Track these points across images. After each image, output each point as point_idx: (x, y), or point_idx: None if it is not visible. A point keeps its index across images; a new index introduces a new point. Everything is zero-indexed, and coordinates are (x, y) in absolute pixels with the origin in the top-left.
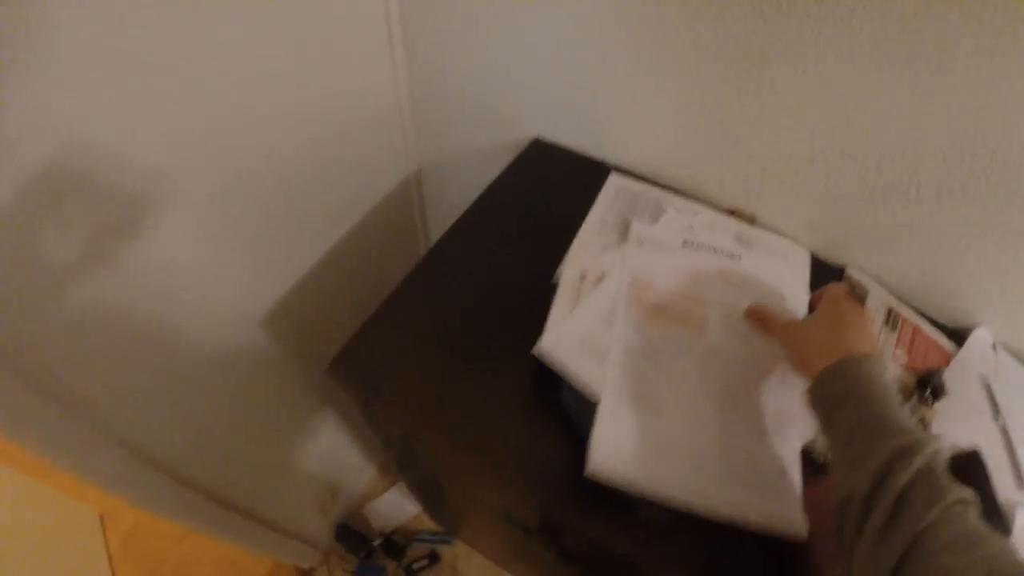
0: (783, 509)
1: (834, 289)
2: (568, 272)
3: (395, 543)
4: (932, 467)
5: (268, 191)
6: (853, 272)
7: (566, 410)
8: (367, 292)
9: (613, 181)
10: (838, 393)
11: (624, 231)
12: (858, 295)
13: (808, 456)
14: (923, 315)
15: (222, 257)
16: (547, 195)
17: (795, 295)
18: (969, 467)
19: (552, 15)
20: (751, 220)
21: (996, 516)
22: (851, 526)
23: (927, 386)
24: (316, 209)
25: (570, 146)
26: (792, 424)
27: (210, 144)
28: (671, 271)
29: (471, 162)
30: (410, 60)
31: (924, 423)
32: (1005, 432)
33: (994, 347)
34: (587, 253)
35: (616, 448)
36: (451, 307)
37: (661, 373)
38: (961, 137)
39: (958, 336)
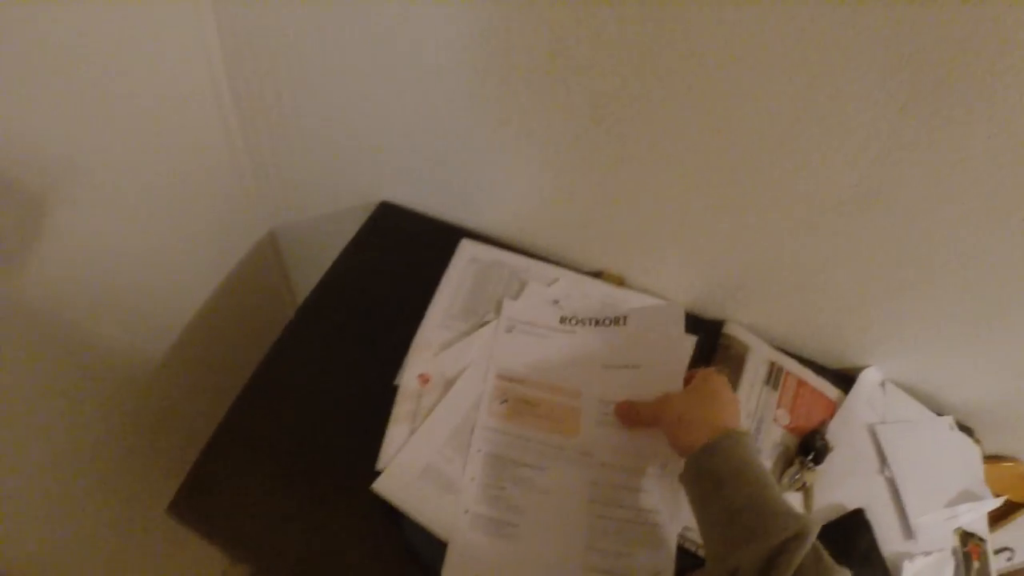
0: None
1: (714, 374)
2: (408, 378)
3: None
4: (819, 550)
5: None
6: (731, 327)
7: (410, 547)
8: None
9: (465, 250)
10: (717, 471)
11: (474, 311)
12: (735, 357)
13: (682, 549)
14: (809, 362)
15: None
16: (396, 268)
17: (679, 359)
18: (854, 527)
19: (394, 79)
20: (619, 281)
21: (882, 572)
22: None
23: (810, 450)
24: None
25: (421, 210)
26: (672, 518)
27: None
28: (543, 360)
29: (324, 225)
30: (246, 129)
31: (806, 487)
32: (892, 483)
33: (882, 385)
34: (429, 349)
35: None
36: (290, 426)
37: (523, 487)
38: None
39: (846, 379)
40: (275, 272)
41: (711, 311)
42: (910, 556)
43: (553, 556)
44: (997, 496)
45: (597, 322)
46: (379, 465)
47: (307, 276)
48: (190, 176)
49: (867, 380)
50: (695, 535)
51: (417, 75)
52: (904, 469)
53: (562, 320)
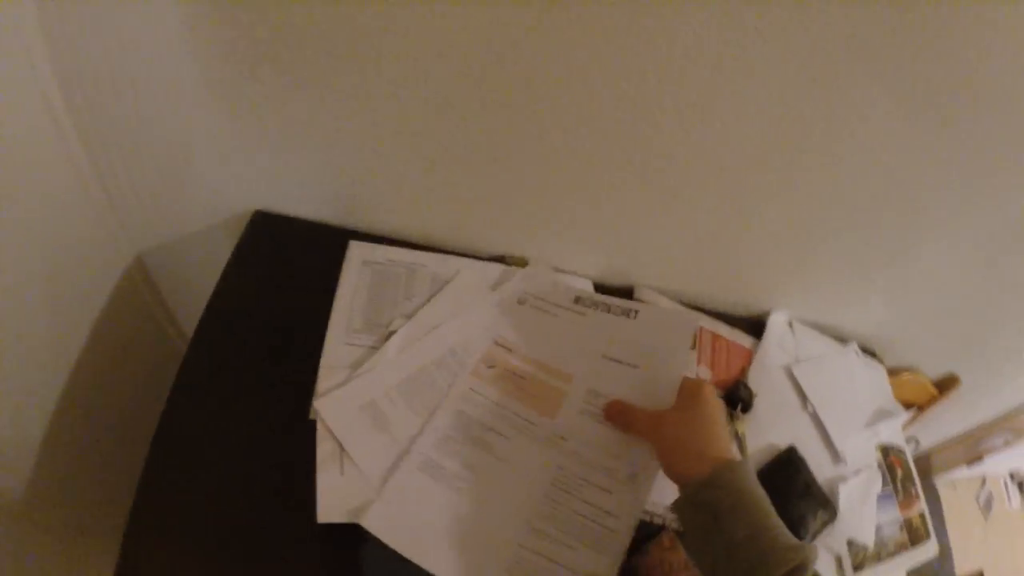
0: None
1: (698, 384)
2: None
3: None
4: None
5: None
6: (641, 291)
7: None
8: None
9: (354, 252)
10: (717, 505)
11: (377, 322)
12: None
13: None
14: (720, 315)
15: None
16: (284, 282)
17: (677, 371)
18: (790, 464)
19: None
20: (522, 263)
21: (821, 501)
22: None
23: (736, 401)
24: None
25: (299, 215)
26: (627, 530)
27: None
28: (545, 336)
29: (197, 243)
30: (90, 145)
31: (739, 436)
32: (815, 417)
33: (790, 325)
34: (336, 373)
35: (395, 511)
36: (210, 486)
37: (483, 450)
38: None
39: (757, 326)
40: (151, 302)
41: (618, 279)
42: (843, 479)
43: (492, 522)
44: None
45: (609, 309)
46: (320, 517)
47: (189, 302)
48: (29, 212)
49: (776, 324)
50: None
51: None
52: (823, 401)
53: (577, 299)
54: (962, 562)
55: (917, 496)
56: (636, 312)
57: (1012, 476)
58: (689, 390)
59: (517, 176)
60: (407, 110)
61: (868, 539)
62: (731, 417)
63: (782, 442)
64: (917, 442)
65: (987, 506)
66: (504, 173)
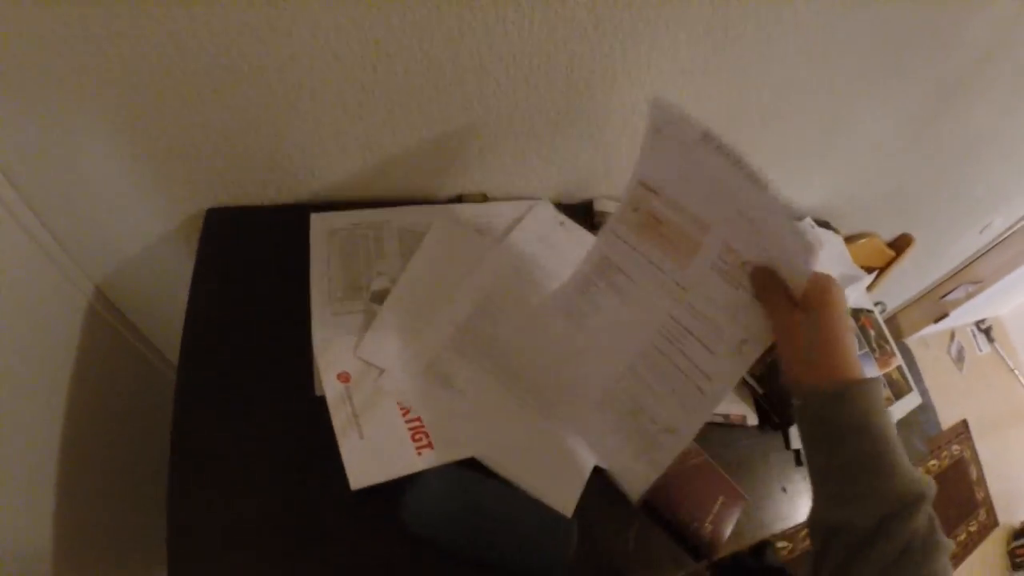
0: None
1: (828, 281)
2: (328, 385)
3: None
4: (933, 519)
5: None
6: (600, 203)
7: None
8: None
9: (317, 225)
10: (841, 423)
11: (357, 285)
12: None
13: None
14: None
15: None
16: (256, 273)
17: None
18: None
19: None
20: (483, 198)
21: None
22: (843, 552)
23: None
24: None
25: (253, 202)
26: (715, 397)
27: None
28: (686, 176)
29: (154, 259)
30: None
31: None
32: None
33: None
34: (332, 345)
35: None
36: (241, 500)
37: (612, 290)
38: None
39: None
40: (122, 330)
41: (579, 195)
42: None
43: (600, 358)
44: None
45: (736, 162)
46: (353, 483)
47: (160, 320)
48: None
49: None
50: None
51: None
52: None
53: (704, 138)
54: (945, 413)
55: (893, 352)
56: (769, 183)
57: (979, 325)
58: (820, 287)
59: (455, 109)
60: (329, 67)
61: None
62: None
63: None
64: (884, 305)
65: (959, 357)
66: (441, 109)
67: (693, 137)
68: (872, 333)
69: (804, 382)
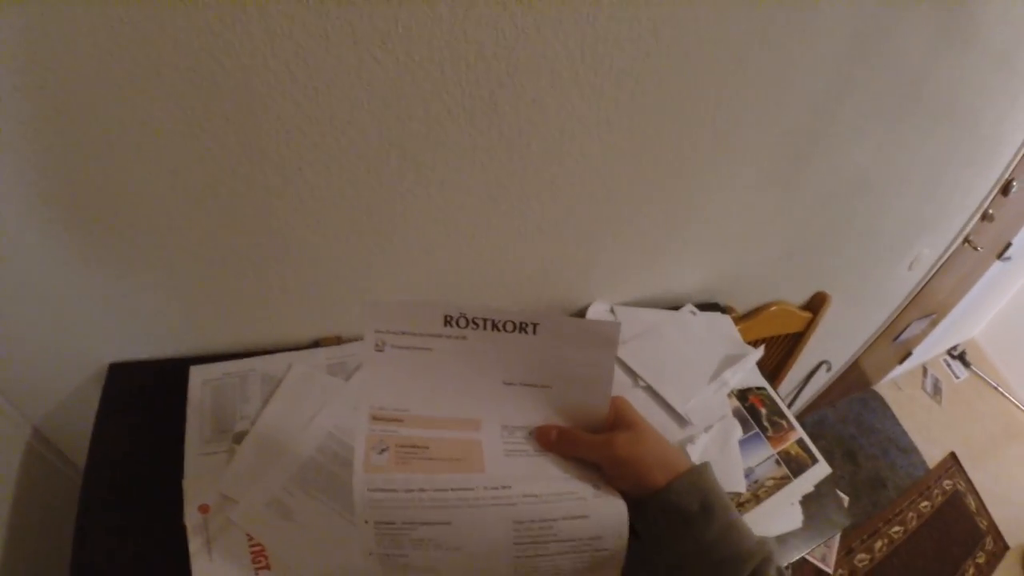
0: None
1: (624, 401)
2: (190, 515)
3: None
4: (781, 569)
5: None
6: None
7: None
8: None
9: (195, 376)
10: (687, 508)
11: (225, 428)
12: None
13: None
14: None
15: None
16: (145, 418)
17: (603, 382)
18: None
19: None
20: (337, 340)
21: None
22: None
23: None
24: None
25: (150, 356)
26: (617, 541)
27: None
28: (426, 382)
29: (79, 399)
30: None
31: None
32: (649, 390)
33: (611, 311)
34: (200, 479)
35: None
36: None
37: (429, 549)
38: None
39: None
40: (62, 468)
41: None
42: (691, 440)
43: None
44: (770, 339)
45: (495, 325)
46: None
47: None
48: None
49: (595, 313)
50: None
51: None
52: (655, 373)
53: (447, 321)
54: (931, 452)
55: (790, 427)
56: (535, 325)
57: (951, 353)
58: (622, 407)
59: (305, 266)
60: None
61: (739, 486)
62: None
63: None
64: (829, 364)
65: (935, 391)
66: (293, 268)
67: (433, 328)
68: (763, 411)
69: (646, 486)
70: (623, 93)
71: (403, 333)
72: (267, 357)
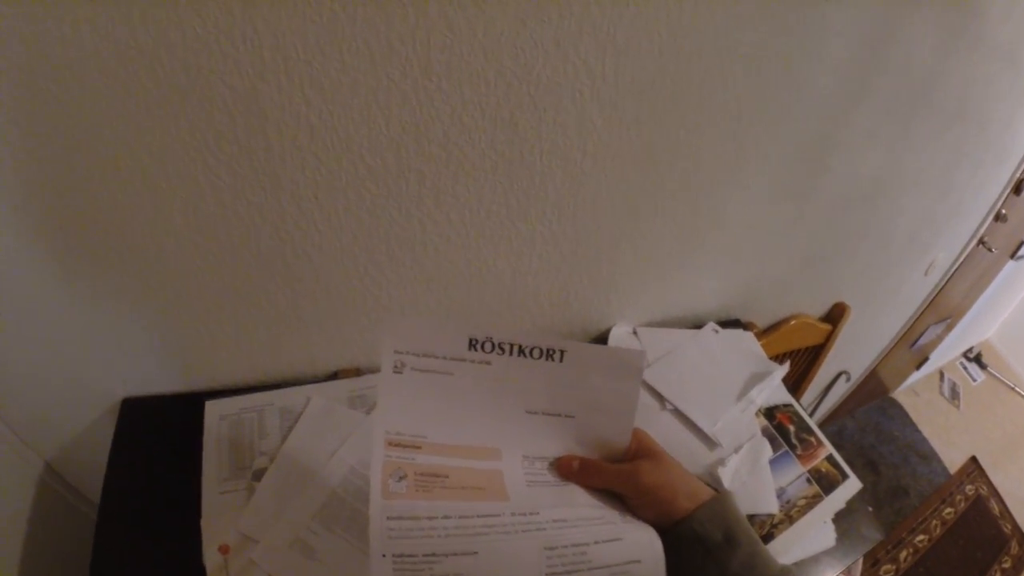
0: None
1: (643, 433)
2: (208, 556)
3: None
4: None
5: None
6: None
7: None
8: None
9: (211, 412)
10: (710, 537)
11: (244, 465)
12: None
13: None
14: None
15: None
16: (160, 456)
17: (627, 413)
18: None
19: None
20: (356, 372)
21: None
22: None
23: None
24: None
25: (163, 391)
26: (656, 567)
27: None
28: (446, 408)
29: (92, 435)
30: None
31: None
32: (677, 412)
33: (634, 333)
34: (219, 519)
35: None
36: None
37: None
38: None
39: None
40: (76, 503)
41: None
42: (721, 462)
43: None
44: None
45: (521, 351)
46: None
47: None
48: None
49: (617, 338)
50: None
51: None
52: (682, 395)
53: (472, 345)
54: (951, 457)
55: (820, 443)
56: (562, 353)
57: (967, 355)
58: (643, 438)
59: (321, 297)
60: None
61: (771, 507)
62: None
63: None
64: (849, 375)
65: (953, 396)
66: (310, 299)
67: (456, 352)
68: (791, 428)
69: (669, 515)
70: (643, 108)
71: (424, 355)
72: (285, 390)
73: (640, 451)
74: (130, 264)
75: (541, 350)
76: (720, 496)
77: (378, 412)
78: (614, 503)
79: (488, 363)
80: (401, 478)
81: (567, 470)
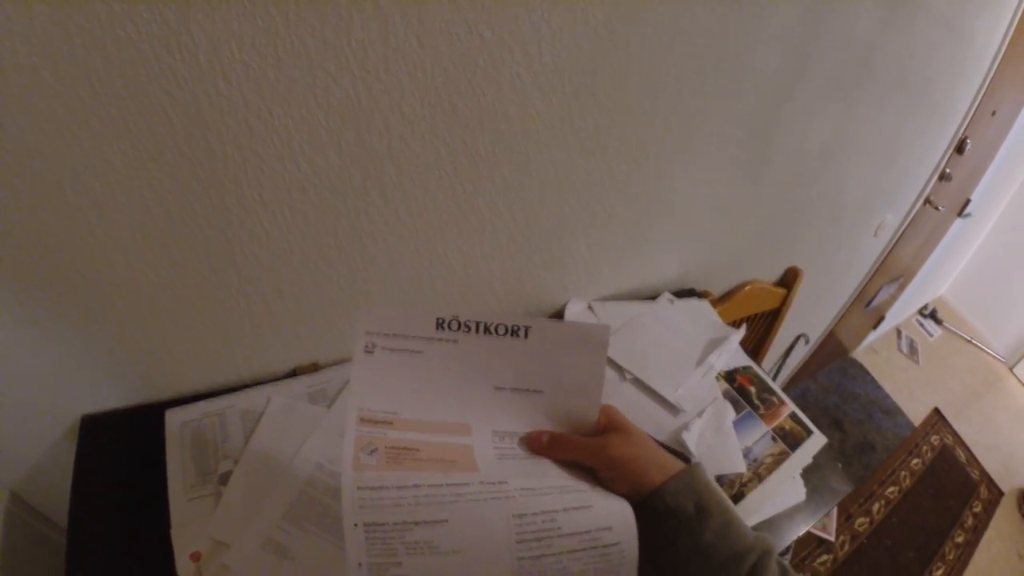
0: None
1: (612, 407)
2: (181, 564)
3: None
4: (783, 563)
5: None
6: None
7: None
8: None
9: (172, 420)
10: (682, 508)
11: (209, 470)
12: None
13: None
14: None
15: None
16: (126, 469)
17: (595, 387)
18: None
19: None
20: (314, 368)
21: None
22: None
23: None
24: None
25: (123, 404)
26: (628, 535)
27: None
28: (416, 386)
29: (54, 458)
30: None
31: None
32: (637, 382)
33: (589, 308)
34: (187, 526)
35: None
36: None
37: (424, 554)
38: None
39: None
40: (43, 529)
41: None
42: (685, 427)
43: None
44: (749, 319)
45: (487, 329)
46: None
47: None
48: None
49: (573, 313)
50: None
51: None
52: (641, 364)
53: (440, 325)
54: (914, 410)
55: (781, 402)
56: (527, 329)
57: (922, 312)
58: (611, 412)
59: (272, 296)
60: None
61: (739, 467)
62: None
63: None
64: (807, 337)
65: (912, 351)
66: (261, 299)
67: (424, 331)
68: (752, 390)
69: (639, 488)
70: (583, 90)
71: (394, 335)
72: (245, 392)
73: (610, 425)
74: (79, 283)
75: (506, 327)
76: (691, 468)
77: (351, 390)
78: (585, 476)
79: (456, 341)
80: (372, 451)
81: (537, 444)
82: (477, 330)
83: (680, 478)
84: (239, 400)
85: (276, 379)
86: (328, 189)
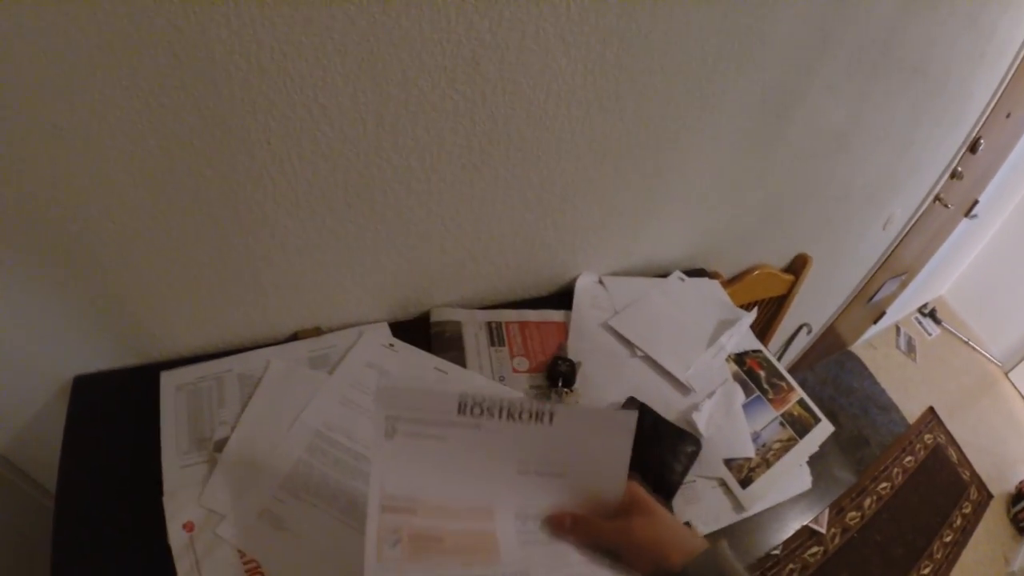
0: None
1: (635, 486)
2: (174, 534)
3: None
4: None
5: None
6: (438, 312)
7: None
8: None
9: (167, 382)
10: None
11: (203, 437)
12: (452, 338)
13: None
14: (526, 301)
15: None
16: (118, 432)
17: (619, 469)
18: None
19: None
20: (316, 332)
21: (676, 437)
22: None
23: (557, 377)
24: None
25: (117, 365)
26: None
27: None
28: (439, 470)
29: (42, 420)
30: None
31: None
32: (648, 359)
33: (600, 282)
34: (179, 495)
35: None
36: None
37: None
38: None
39: (566, 297)
40: (29, 491)
41: (412, 308)
42: (695, 408)
43: None
44: (756, 303)
45: (510, 415)
46: None
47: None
48: None
49: (584, 287)
50: None
51: None
52: (651, 342)
53: (461, 409)
54: (909, 408)
55: (790, 388)
56: (551, 415)
57: (922, 311)
58: (635, 491)
59: (277, 253)
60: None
61: (748, 451)
62: (557, 396)
63: (622, 397)
64: (810, 327)
65: (909, 349)
66: (265, 256)
67: (446, 415)
68: (762, 374)
69: (666, 569)
70: (609, 50)
71: (415, 420)
72: (243, 355)
73: (633, 504)
74: (72, 232)
75: (531, 413)
76: (712, 548)
77: (373, 474)
78: (607, 560)
79: (478, 427)
80: (396, 543)
81: (560, 527)
82: (500, 415)
83: (702, 558)
84: (237, 363)
85: (276, 342)
86: (340, 138)
